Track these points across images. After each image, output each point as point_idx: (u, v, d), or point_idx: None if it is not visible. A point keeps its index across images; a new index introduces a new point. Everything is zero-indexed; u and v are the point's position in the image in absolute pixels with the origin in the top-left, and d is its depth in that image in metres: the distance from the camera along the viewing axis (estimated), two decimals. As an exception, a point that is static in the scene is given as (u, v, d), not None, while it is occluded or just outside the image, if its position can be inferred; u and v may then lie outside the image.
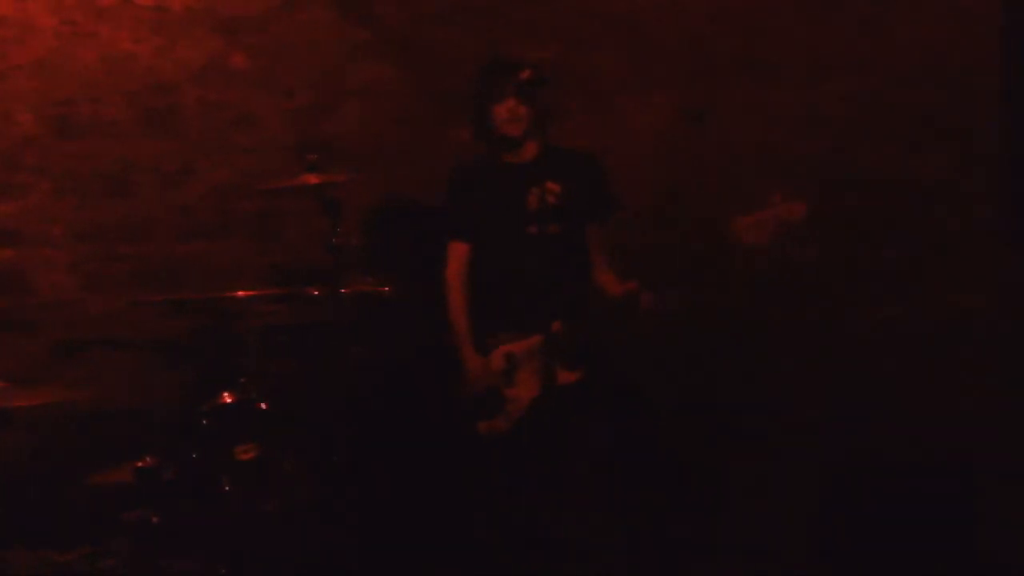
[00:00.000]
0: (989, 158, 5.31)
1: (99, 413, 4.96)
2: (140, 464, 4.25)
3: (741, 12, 5.41)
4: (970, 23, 5.30)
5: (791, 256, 5.03)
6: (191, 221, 5.32)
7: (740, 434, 5.16)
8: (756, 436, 5.15)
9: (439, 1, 5.41)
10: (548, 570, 4.30)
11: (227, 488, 4.31)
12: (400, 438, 4.88)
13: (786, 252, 4.88)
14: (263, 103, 5.35)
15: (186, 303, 4.65)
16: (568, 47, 5.38)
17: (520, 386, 4.38)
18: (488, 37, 5.29)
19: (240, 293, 4.57)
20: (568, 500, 4.36)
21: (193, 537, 4.20)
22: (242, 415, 4.43)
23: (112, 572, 4.15)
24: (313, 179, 4.46)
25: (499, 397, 4.38)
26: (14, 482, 4.81)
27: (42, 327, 5.21)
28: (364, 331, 4.73)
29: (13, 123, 5.20)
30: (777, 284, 5.23)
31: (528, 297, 4.44)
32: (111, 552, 4.19)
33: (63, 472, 4.76)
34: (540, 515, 4.34)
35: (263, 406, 4.46)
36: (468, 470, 4.51)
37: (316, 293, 4.54)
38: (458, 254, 4.58)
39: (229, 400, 4.44)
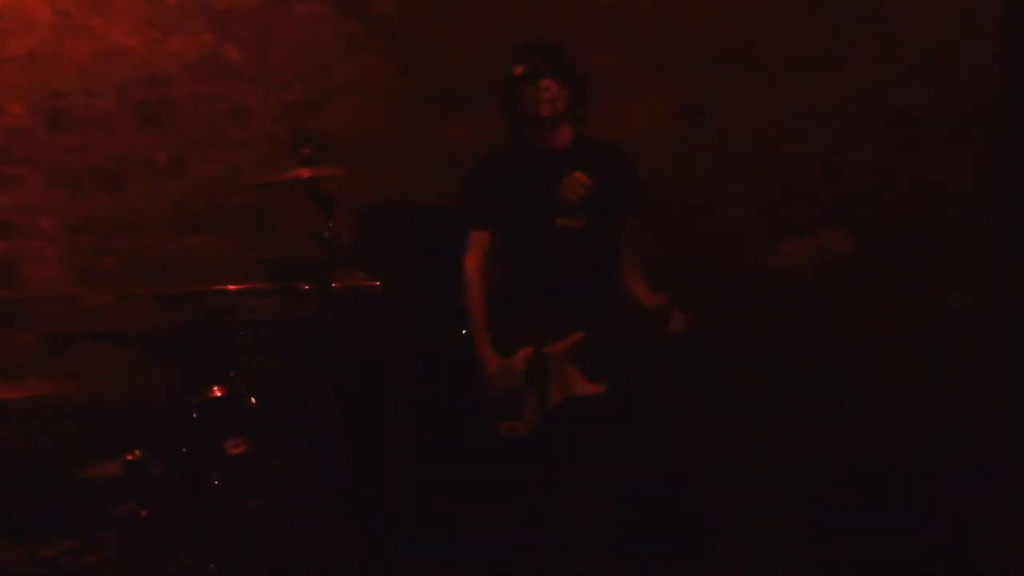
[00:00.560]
0: (988, 158, 5.29)
1: (89, 406, 4.96)
2: (129, 458, 4.24)
3: (740, 12, 5.38)
4: (970, 23, 5.28)
5: (825, 287, 4.88)
6: (183, 215, 5.32)
7: (738, 434, 5.14)
8: (755, 436, 5.12)
9: (437, -1, 5.42)
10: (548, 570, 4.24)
11: (216, 482, 4.28)
12: (393, 434, 4.87)
13: (822, 283, 4.66)
14: (256, 97, 5.34)
15: (177, 297, 4.65)
16: (567, 47, 5.34)
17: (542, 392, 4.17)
18: (483, 35, 5.27)
19: (231, 287, 4.55)
20: (568, 505, 4.27)
21: (182, 531, 4.19)
22: (232, 409, 4.41)
23: (99, 567, 4.13)
24: (305, 173, 4.43)
25: (520, 399, 4.18)
26: (3, 475, 4.79)
27: (33, 320, 5.20)
28: (355, 326, 4.71)
29: (5, 115, 5.22)
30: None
31: (553, 294, 4.22)
32: (99, 546, 4.18)
33: (52, 465, 4.75)
34: (541, 520, 4.26)
35: (253, 400, 4.44)
36: (467, 470, 4.47)
37: (307, 288, 4.52)
38: (479, 243, 4.35)
39: (219, 394, 4.43)
